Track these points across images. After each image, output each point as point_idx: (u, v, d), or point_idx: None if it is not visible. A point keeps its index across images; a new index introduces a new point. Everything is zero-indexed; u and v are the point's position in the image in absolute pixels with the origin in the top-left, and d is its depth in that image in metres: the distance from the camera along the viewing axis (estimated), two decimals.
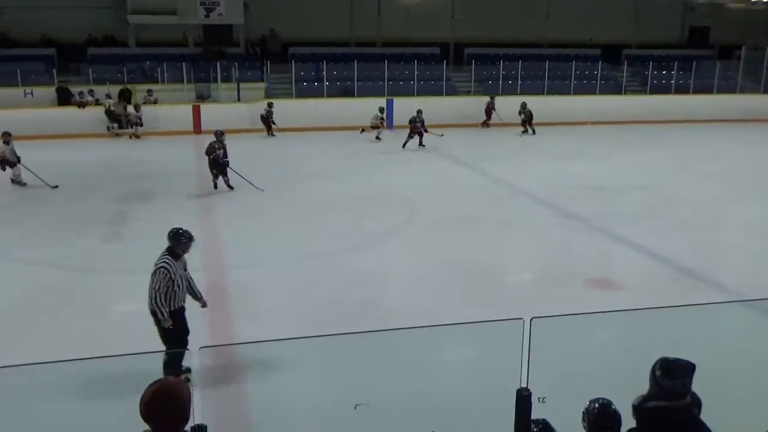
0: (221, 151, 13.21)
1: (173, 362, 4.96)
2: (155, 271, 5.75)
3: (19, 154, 13.78)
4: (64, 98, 21.29)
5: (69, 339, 6.76)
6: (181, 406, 2.54)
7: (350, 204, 12.40)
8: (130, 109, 20.72)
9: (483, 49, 26.15)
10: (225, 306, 7.80)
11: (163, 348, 5.51)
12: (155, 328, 5.73)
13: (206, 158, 13.32)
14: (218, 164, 13.21)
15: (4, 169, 13.73)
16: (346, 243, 10.09)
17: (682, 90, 25.74)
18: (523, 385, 2.92)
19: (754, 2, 26.22)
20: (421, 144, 18.49)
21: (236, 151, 13.95)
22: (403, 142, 18.42)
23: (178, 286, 5.83)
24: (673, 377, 3.20)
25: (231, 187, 13.36)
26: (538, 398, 2.90)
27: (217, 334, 7.02)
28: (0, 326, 7.25)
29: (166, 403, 2.51)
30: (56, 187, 13.48)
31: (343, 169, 16.02)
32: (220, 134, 13.37)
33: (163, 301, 5.69)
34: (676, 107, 24.61)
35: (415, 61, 24.16)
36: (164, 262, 5.78)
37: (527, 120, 21.30)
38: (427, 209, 12.11)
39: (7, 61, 21.85)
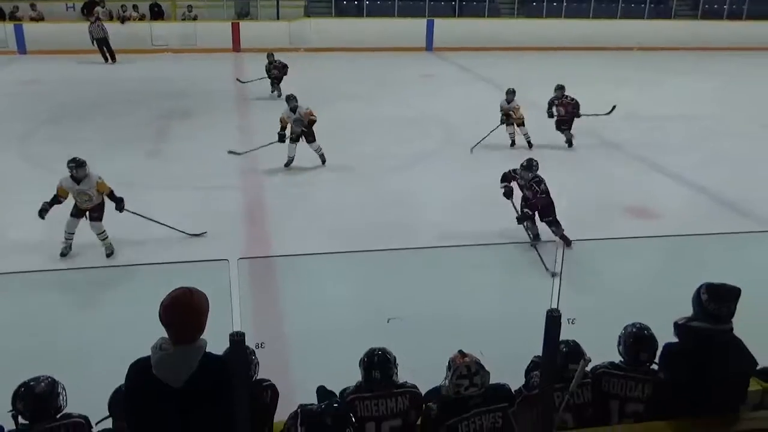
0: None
1: None
2: None
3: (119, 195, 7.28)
4: (90, 13, 20.50)
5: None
6: (197, 316, 2.56)
7: (387, 126, 12.28)
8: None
9: None
10: (262, 223, 7.92)
11: None
12: None
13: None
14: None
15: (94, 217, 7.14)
16: (380, 164, 10.04)
17: (735, 16, 24.53)
18: (554, 306, 2.91)
19: None
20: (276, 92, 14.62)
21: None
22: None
23: None
24: (719, 301, 3.16)
25: None
26: (568, 320, 2.89)
27: (254, 249, 7.16)
28: (49, 234, 7.49)
29: (182, 310, 2.54)
30: (204, 233, 7.48)
31: (380, 91, 15.80)
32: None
33: None
34: (728, 34, 23.55)
35: None
36: None
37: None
38: (463, 133, 11.93)
39: None
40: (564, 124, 11.21)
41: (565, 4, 23.73)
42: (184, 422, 2.54)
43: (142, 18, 21.19)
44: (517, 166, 7.34)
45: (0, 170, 9.68)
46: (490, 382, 3.26)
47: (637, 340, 3.41)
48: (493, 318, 4.57)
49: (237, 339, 2.55)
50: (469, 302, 4.66)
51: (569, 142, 11.29)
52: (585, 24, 22.99)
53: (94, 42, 18.59)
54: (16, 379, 3.14)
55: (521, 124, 10.96)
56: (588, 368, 3.32)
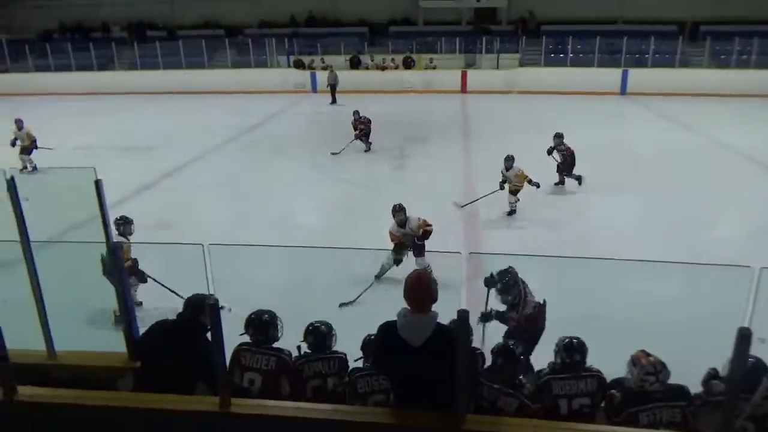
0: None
1: None
2: None
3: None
4: (355, 64, 22.31)
5: (362, 235, 7.25)
6: (430, 292, 2.61)
7: (582, 153, 11.50)
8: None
9: (718, 27, 22.11)
10: (475, 225, 7.84)
11: None
12: None
13: None
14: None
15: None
16: (571, 183, 9.41)
17: None
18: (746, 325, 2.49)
19: None
20: (367, 149, 12.32)
21: (487, 107, 13.60)
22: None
23: None
24: None
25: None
26: (759, 339, 2.45)
27: (471, 245, 7.08)
28: (325, 222, 8.12)
29: (419, 287, 2.61)
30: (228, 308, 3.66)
31: (578, 124, 14.83)
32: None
33: None
34: None
35: (652, 37, 21.22)
36: None
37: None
38: (645, 162, 10.80)
39: (333, 36, 23.72)
40: (565, 170, 9.19)
41: (754, 56, 20.54)
42: (420, 373, 2.57)
43: (396, 67, 22.21)
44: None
45: (297, 174, 10.70)
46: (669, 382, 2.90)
47: None
48: (687, 328, 3.97)
49: (463, 315, 2.51)
50: (663, 311, 4.10)
51: (579, 181, 9.21)
52: None
53: (329, 86, 19.39)
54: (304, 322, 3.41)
55: (515, 192, 8.16)
56: None
